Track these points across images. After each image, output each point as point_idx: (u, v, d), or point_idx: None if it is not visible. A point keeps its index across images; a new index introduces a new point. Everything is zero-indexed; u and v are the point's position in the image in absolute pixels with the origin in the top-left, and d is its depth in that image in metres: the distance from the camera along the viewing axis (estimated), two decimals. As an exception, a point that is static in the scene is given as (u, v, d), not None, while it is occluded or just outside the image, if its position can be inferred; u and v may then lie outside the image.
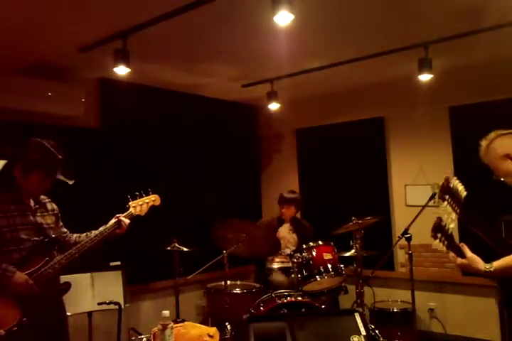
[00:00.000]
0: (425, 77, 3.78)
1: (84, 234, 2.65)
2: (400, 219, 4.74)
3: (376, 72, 4.44)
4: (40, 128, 3.80)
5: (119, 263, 3.75)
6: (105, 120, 4.37)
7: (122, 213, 2.71)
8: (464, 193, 1.98)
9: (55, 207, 2.64)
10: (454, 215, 1.98)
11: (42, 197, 2.58)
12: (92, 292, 3.55)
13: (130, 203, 2.76)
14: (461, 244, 1.99)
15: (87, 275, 3.56)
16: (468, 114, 4.41)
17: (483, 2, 2.94)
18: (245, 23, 3.18)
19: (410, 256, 3.65)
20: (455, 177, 2.02)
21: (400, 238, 3.69)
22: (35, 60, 3.69)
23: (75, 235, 2.70)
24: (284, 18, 2.55)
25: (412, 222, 3.66)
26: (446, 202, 2.00)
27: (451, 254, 2.01)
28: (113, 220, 2.65)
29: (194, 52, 3.79)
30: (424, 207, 3.71)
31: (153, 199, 2.85)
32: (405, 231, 3.64)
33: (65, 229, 2.72)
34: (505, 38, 3.46)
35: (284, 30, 3.06)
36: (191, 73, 4.37)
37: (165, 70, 4.23)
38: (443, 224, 1.97)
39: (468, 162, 4.40)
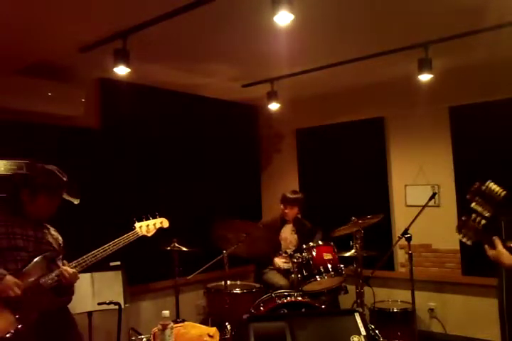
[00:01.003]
0: (425, 77, 3.78)
1: None
2: (400, 219, 4.74)
3: (376, 72, 4.44)
4: (40, 128, 3.80)
5: (118, 263, 3.74)
6: (105, 120, 4.36)
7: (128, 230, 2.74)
8: (502, 193, 2.17)
9: (59, 237, 2.65)
10: (486, 213, 2.21)
11: (48, 226, 2.60)
12: (92, 292, 3.55)
13: (136, 224, 2.80)
14: (495, 237, 2.22)
15: (87, 275, 3.56)
16: (468, 114, 4.41)
17: (483, 2, 2.94)
18: (245, 23, 3.18)
19: (410, 256, 3.65)
20: (490, 180, 2.21)
21: (399, 238, 3.69)
22: (35, 60, 3.69)
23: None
24: (284, 18, 2.55)
25: (412, 222, 3.67)
26: (474, 203, 2.23)
27: (486, 245, 2.25)
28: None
29: (194, 52, 3.79)
30: (424, 207, 3.72)
31: (160, 221, 2.92)
32: (405, 231, 3.64)
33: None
34: (505, 38, 3.46)
35: (284, 30, 3.06)
36: (191, 73, 4.37)
37: (165, 70, 4.23)
38: (470, 223, 2.23)
39: (468, 162, 4.43)
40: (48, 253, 2.44)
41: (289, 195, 4.53)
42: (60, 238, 2.64)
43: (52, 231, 2.62)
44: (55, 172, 2.51)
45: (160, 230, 4.26)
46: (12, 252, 2.35)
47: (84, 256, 2.51)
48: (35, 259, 2.38)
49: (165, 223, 2.94)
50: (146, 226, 2.81)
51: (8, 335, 2.19)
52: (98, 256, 2.54)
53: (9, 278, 2.26)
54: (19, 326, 2.23)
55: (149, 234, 2.82)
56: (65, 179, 2.53)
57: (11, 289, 2.25)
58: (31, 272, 2.35)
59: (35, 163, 2.57)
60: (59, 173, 2.52)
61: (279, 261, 4.34)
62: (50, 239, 2.54)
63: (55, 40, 3.37)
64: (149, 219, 2.87)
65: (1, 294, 2.24)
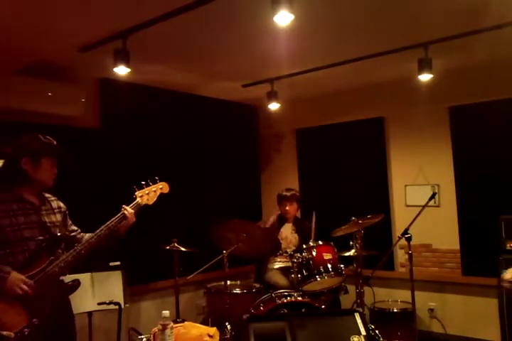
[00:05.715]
0: (425, 77, 3.78)
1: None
2: (400, 219, 4.74)
3: (376, 72, 4.44)
4: (40, 128, 3.76)
5: (118, 263, 3.74)
6: (105, 120, 4.36)
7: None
8: None
9: (61, 204, 2.63)
10: None
11: (47, 195, 2.58)
12: (92, 292, 3.55)
13: (136, 193, 2.68)
14: None
15: (87, 275, 3.55)
16: (468, 114, 4.41)
17: (483, 2, 2.94)
18: (245, 23, 3.18)
19: (410, 256, 3.65)
20: None
21: (399, 238, 3.68)
22: (35, 60, 3.68)
23: (87, 234, 2.62)
24: (284, 18, 2.55)
25: (412, 222, 3.66)
26: None
27: None
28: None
29: (194, 52, 3.79)
30: (424, 207, 3.72)
31: (160, 187, 2.77)
32: (405, 231, 3.64)
33: (75, 227, 2.69)
34: (505, 38, 3.46)
35: (284, 30, 3.06)
36: (191, 73, 4.37)
37: (165, 70, 4.23)
38: None
39: (468, 162, 4.43)
40: (51, 239, 2.41)
41: (285, 193, 4.56)
42: (62, 205, 2.63)
43: (54, 202, 2.59)
44: (45, 136, 2.52)
45: (160, 230, 4.30)
46: (20, 243, 2.33)
47: (85, 241, 2.45)
48: (38, 248, 2.35)
49: (165, 188, 2.78)
50: (147, 195, 2.69)
51: (26, 331, 2.18)
52: (101, 234, 2.48)
53: (15, 275, 2.24)
54: (33, 320, 2.22)
55: (150, 203, 2.71)
56: (55, 142, 2.54)
57: (18, 287, 2.23)
58: (37, 262, 2.33)
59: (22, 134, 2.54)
60: (48, 138, 2.54)
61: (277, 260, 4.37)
62: (53, 218, 2.51)
63: (55, 40, 3.37)
64: (149, 186, 2.73)
65: (8, 293, 2.21)
